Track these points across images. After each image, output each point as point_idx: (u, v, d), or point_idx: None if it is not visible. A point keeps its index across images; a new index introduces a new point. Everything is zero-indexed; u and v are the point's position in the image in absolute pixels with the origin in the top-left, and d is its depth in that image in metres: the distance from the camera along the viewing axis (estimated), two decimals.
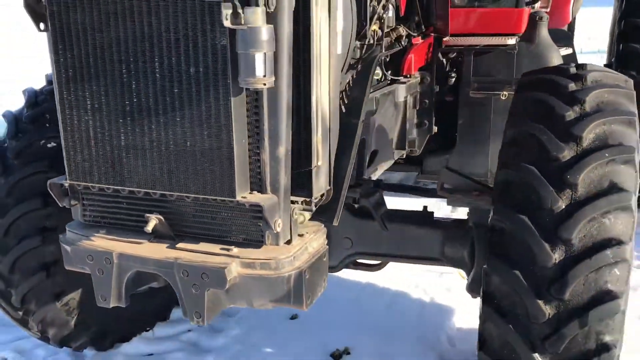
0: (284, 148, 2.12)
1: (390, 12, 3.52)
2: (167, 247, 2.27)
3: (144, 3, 2.03)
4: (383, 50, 3.14)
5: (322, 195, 2.43)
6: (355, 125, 2.60)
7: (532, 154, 2.46)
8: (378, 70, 3.63)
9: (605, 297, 2.25)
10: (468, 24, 4.45)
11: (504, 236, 2.41)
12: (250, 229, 2.21)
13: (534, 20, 4.28)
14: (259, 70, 1.93)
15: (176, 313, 4.31)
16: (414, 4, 3.94)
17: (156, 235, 2.32)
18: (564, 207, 2.31)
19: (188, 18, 1.99)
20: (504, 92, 4.27)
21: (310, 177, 2.31)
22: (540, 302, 2.29)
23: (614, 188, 2.32)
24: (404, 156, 4.00)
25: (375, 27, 3.27)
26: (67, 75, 2.20)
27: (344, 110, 2.64)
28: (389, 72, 3.99)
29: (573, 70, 2.78)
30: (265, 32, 1.92)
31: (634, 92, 2.70)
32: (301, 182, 2.32)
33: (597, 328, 2.28)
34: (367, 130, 3.36)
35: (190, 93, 2.06)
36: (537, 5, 5.13)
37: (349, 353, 3.79)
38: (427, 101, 3.92)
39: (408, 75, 4.07)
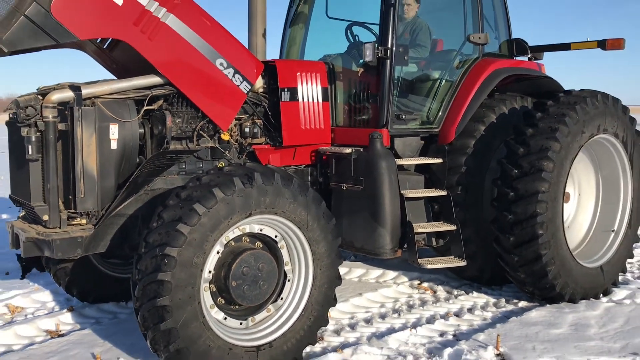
0: (51, 185, 5.02)
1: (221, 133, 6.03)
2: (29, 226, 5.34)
3: None
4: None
5: (90, 213, 5.23)
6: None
7: None
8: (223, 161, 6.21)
9: (156, 270, 4.55)
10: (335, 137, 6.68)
11: None
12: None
13: (370, 137, 6.28)
14: (29, 153, 4.95)
15: None
16: (264, 124, 6.40)
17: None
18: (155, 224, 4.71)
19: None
20: (344, 185, 6.36)
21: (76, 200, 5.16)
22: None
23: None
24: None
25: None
26: None
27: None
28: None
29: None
30: (33, 137, 4.94)
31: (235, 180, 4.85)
32: (75, 202, 5.18)
33: (155, 288, 4.56)
34: None
35: None
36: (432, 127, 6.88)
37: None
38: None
39: None
